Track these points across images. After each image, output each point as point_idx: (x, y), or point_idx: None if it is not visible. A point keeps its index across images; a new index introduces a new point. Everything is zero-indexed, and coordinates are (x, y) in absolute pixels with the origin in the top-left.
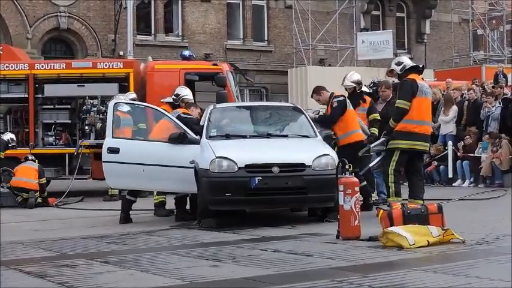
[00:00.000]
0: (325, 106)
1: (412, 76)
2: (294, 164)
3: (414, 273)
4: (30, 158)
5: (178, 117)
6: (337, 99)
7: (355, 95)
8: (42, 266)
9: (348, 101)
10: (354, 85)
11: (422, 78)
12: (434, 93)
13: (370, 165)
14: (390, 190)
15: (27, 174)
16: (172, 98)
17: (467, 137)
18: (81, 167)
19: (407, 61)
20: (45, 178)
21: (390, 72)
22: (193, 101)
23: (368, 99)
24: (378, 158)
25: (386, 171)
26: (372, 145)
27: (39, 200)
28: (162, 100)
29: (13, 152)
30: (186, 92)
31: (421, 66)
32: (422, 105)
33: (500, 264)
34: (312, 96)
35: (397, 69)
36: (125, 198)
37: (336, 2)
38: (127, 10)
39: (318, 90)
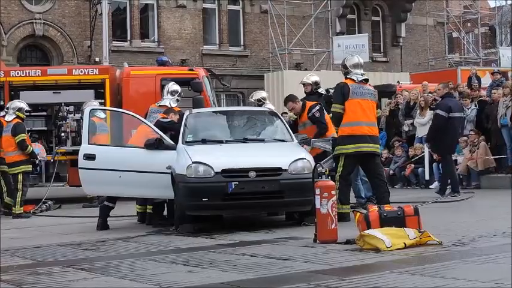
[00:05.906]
0: (296, 115)
1: (346, 80)
2: (271, 168)
3: (391, 275)
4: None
5: (158, 122)
6: (317, 107)
7: None
8: (19, 274)
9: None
10: None
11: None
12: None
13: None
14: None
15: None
16: None
17: None
18: (58, 174)
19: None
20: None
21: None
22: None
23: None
24: (327, 159)
25: (334, 178)
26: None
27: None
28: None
29: None
30: None
31: None
32: (357, 107)
33: (477, 265)
34: (285, 104)
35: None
36: (104, 204)
37: (311, 6)
38: (102, 16)
39: (294, 99)
